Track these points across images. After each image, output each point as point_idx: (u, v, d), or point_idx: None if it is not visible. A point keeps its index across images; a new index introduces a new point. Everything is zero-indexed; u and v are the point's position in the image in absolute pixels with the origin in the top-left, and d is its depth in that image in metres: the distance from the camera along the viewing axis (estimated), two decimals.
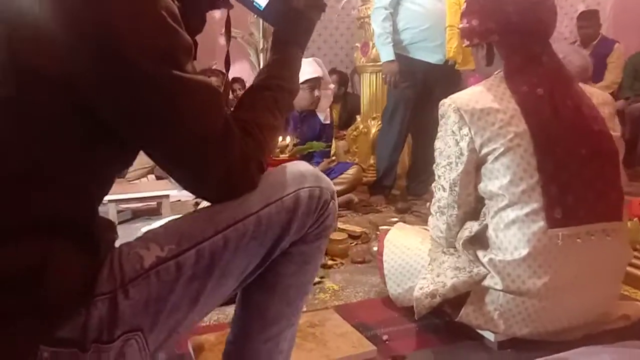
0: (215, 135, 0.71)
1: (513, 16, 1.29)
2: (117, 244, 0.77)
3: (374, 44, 3.51)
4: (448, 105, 1.31)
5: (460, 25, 1.43)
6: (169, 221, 0.79)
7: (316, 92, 2.82)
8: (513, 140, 1.20)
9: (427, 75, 2.68)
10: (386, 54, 2.69)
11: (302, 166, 0.85)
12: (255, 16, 1.87)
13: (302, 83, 2.76)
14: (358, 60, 3.75)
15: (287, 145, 2.10)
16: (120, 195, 2.53)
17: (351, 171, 2.93)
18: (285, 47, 0.91)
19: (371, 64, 3.57)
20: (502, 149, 1.21)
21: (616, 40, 4.38)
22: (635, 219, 1.97)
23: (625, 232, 1.27)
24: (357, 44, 3.81)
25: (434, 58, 2.69)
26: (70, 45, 0.63)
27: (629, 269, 1.68)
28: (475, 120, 1.24)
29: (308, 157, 2.89)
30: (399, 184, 3.16)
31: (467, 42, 1.43)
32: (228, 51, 0.97)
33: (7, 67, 0.63)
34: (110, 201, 2.51)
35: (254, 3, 0.90)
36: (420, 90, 2.68)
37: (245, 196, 0.76)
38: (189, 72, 0.69)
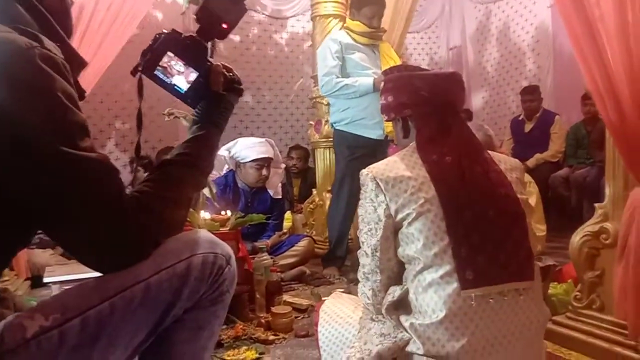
0: (102, 208, 0.73)
1: (422, 91, 1.40)
2: None
3: (326, 121, 3.68)
4: (366, 174, 1.37)
5: (380, 102, 1.54)
6: (62, 290, 0.80)
7: (264, 171, 2.90)
8: (424, 206, 1.26)
9: (369, 149, 2.81)
10: (365, 81, 2.73)
11: (199, 233, 0.87)
12: None
13: (252, 161, 2.85)
14: (312, 136, 3.89)
15: (228, 219, 2.13)
16: (64, 277, 2.47)
17: (302, 243, 2.95)
18: (203, 127, 0.95)
19: (324, 139, 3.71)
20: (414, 214, 1.26)
21: (556, 113, 4.68)
22: (570, 280, 2.03)
23: (538, 291, 1.30)
24: (310, 122, 3.97)
25: (374, 134, 2.85)
26: None
27: (558, 328, 1.72)
28: (390, 187, 1.30)
29: (260, 231, 2.92)
30: (353, 256, 3.18)
31: (386, 117, 1.53)
32: (140, 109, 0.99)
33: None
34: (54, 283, 2.44)
35: (175, 87, 0.96)
36: (365, 162, 2.77)
37: (137, 264, 0.78)
38: (80, 148, 0.73)
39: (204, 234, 0.88)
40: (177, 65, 0.95)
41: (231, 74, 0.98)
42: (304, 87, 5.47)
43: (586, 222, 1.76)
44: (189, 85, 0.95)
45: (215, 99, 0.96)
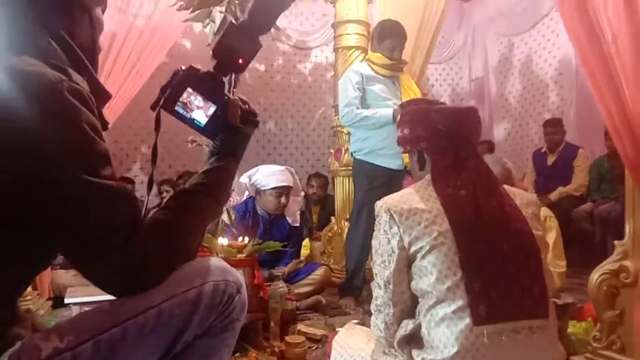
0: (118, 236, 0.76)
1: (438, 124, 1.41)
2: None
3: (346, 149, 3.70)
4: (380, 206, 1.39)
5: (397, 134, 1.56)
6: (79, 312, 0.83)
7: (283, 199, 2.94)
8: (437, 239, 1.26)
9: (388, 179, 2.82)
10: (385, 113, 2.77)
11: (211, 260, 0.90)
12: None
13: (271, 189, 2.89)
14: (332, 165, 3.92)
15: (245, 245, 2.15)
16: (84, 298, 2.51)
17: (319, 272, 2.95)
18: (221, 158, 0.98)
19: (344, 168, 3.73)
20: (427, 247, 1.26)
21: (580, 146, 4.62)
22: (590, 318, 1.98)
23: (554, 330, 1.28)
24: (331, 150, 4.01)
25: (394, 164, 2.86)
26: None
27: None
28: (404, 219, 1.31)
29: (278, 258, 2.93)
30: (369, 286, 3.15)
31: (402, 149, 1.55)
32: (155, 143, 1.00)
33: None
34: (74, 304, 2.49)
35: (195, 121, 1.00)
36: (384, 192, 2.78)
37: (150, 289, 0.81)
38: (101, 176, 0.77)
39: (216, 261, 0.90)
40: (197, 100, 0.98)
41: (247, 106, 1.01)
42: (325, 115, 5.54)
43: (606, 260, 1.72)
44: (207, 119, 0.99)
45: (233, 132, 0.99)
